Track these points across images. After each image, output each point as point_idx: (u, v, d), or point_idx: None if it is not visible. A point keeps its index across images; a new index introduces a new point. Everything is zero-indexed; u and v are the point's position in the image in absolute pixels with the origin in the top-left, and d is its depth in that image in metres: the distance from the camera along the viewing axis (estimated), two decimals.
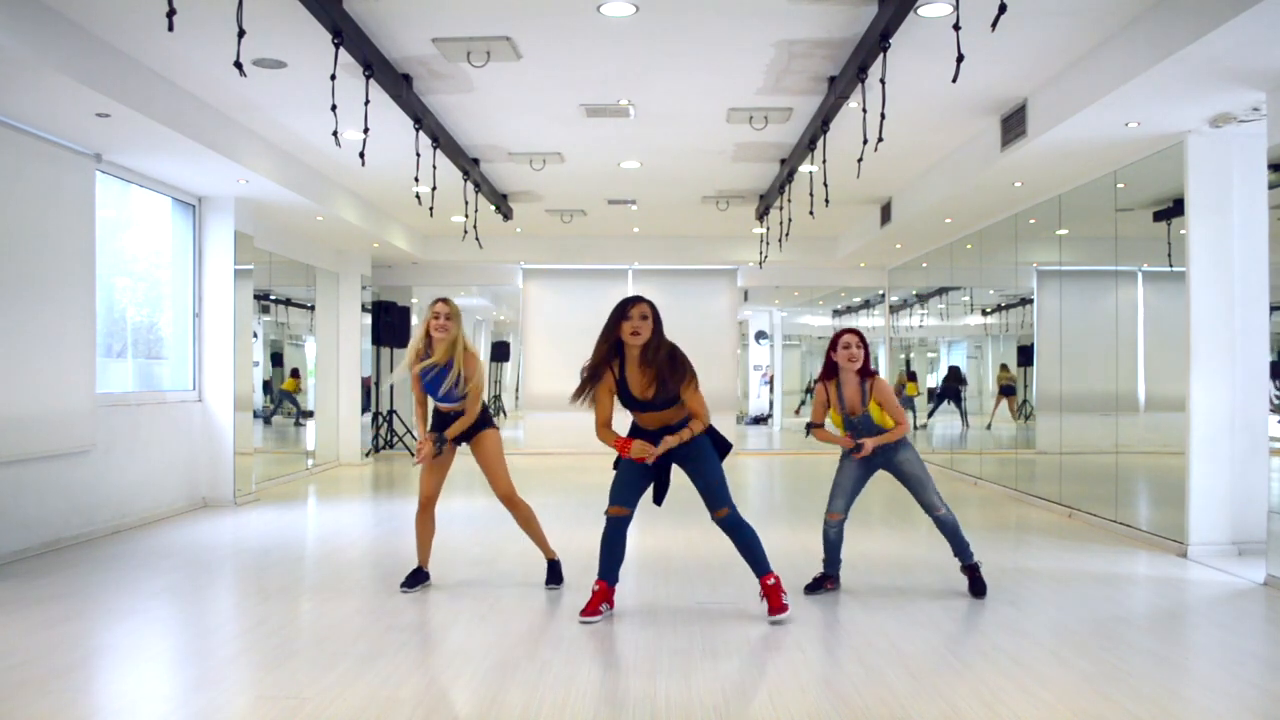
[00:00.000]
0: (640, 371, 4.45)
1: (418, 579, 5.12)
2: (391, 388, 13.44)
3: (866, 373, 4.94)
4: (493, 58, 5.69)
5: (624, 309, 4.44)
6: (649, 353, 4.41)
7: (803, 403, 21.18)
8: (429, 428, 5.10)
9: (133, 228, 7.79)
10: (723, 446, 4.61)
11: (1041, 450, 8.68)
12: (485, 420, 5.08)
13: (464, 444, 5.09)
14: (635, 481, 4.54)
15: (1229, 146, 6.03)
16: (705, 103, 6.76)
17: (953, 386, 12.56)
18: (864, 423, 4.94)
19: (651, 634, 4.27)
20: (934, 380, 13.63)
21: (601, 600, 4.52)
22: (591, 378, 4.49)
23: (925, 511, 4.98)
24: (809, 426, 5.22)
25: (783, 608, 4.43)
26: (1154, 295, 7.08)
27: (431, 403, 5.12)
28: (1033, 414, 9.14)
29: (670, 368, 4.41)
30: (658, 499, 4.70)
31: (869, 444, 4.88)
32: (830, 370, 5.00)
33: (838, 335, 4.99)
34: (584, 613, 4.48)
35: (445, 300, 4.97)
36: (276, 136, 7.53)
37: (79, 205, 6.47)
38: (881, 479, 5.77)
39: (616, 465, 4.61)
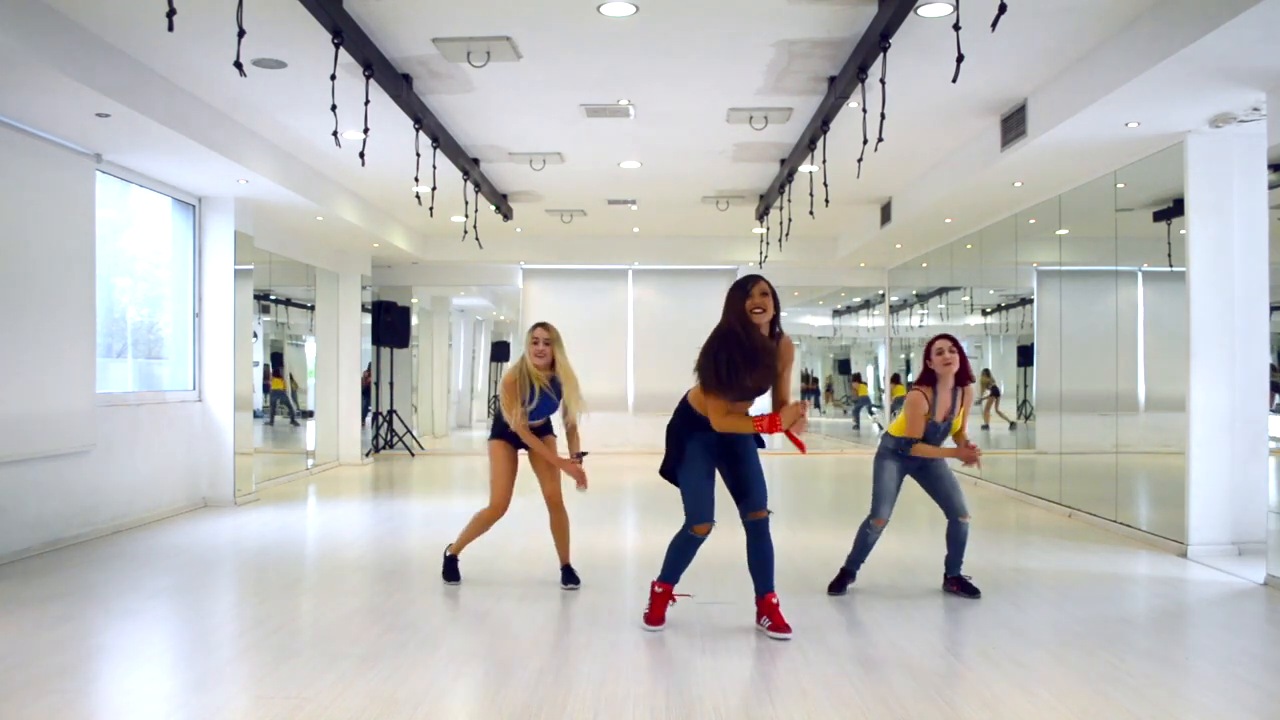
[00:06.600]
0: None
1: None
2: (392, 386, 13.43)
3: (964, 379, 4.84)
4: (493, 58, 5.69)
5: (745, 286, 4.09)
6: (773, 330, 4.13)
7: (814, 401, 21.07)
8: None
9: (133, 228, 7.79)
10: None
11: (1041, 450, 8.68)
12: (549, 426, 5.21)
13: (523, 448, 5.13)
14: (711, 489, 4.25)
15: (1229, 146, 6.04)
16: (705, 103, 6.76)
17: None
18: (945, 430, 4.88)
19: (651, 634, 4.27)
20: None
21: (666, 602, 4.40)
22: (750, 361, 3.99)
23: (951, 515, 4.94)
24: (908, 442, 4.82)
25: (788, 627, 4.21)
26: (1154, 295, 7.08)
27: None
28: (1033, 414, 9.14)
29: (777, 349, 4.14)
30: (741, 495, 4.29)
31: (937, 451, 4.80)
32: (927, 377, 4.85)
33: (931, 341, 4.85)
34: (650, 620, 4.36)
35: (544, 325, 5.06)
36: (276, 136, 7.53)
37: (79, 205, 6.47)
38: None
39: (675, 480, 4.27)
